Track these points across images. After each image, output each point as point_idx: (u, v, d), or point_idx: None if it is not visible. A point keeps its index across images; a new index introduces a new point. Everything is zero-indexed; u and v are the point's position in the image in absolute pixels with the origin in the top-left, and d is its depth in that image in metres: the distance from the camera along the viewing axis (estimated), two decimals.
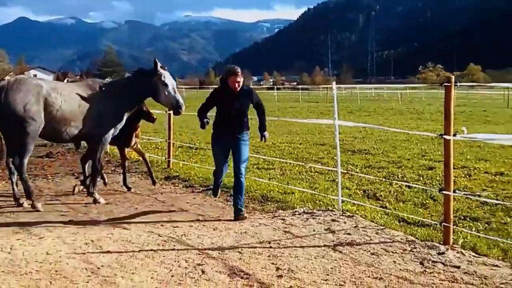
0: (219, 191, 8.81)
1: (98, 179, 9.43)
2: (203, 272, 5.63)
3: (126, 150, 10.38)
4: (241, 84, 7.96)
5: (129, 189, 10.17)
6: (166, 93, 8.89)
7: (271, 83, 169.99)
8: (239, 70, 7.93)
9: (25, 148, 8.47)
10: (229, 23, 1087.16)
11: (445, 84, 6.63)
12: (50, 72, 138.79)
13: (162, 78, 8.87)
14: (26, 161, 8.61)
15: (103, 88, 9.04)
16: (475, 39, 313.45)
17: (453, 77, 6.86)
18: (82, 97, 8.75)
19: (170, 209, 8.74)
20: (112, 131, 9.09)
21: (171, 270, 5.69)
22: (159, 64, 8.96)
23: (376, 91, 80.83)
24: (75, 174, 11.84)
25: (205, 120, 8.14)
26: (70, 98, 8.63)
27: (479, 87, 74.89)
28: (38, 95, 8.32)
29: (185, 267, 5.78)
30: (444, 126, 6.69)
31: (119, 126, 9.20)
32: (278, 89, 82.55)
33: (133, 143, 10.26)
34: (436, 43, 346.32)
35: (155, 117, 10.10)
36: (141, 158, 11.13)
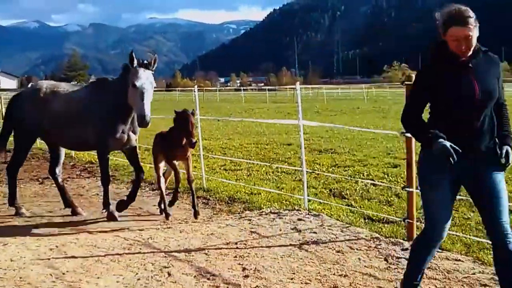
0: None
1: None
2: (169, 274, 5.63)
3: (176, 163, 8.12)
4: (474, 42, 4.08)
5: (167, 216, 8.12)
6: (133, 97, 7.35)
7: (238, 84, 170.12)
8: (469, 13, 4.02)
9: (18, 154, 8.65)
10: (195, 24, 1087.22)
11: (406, 83, 6.70)
12: (14, 77, 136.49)
13: (133, 78, 7.31)
14: (19, 167, 8.83)
15: (97, 90, 8.10)
16: (439, 39, 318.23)
17: (413, 76, 6.93)
18: (79, 100, 8.07)
19: (137, 213, 8.68)
20: (111, 140, 7.82)
21: (137, 274, 5.67)
22: (135, 59, 7.38)
23: (343, 91, 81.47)
24: (40, 179, 11.69)
25: (439, 138, 4.04)
26: (68, 102, 8.12)
27: None
28: (36, 100, 8.22)
29: (151, 270, 5.77)
30: None
31: (116, 134, 7.76)
32: (245, 90, 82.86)
33: (178, 155, 8.00)
34: (400, 43, 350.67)
35: (195, 140, 7.54)
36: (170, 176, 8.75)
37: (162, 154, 8.19)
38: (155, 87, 7.58)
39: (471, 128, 4.10)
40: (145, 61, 7.51)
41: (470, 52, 4.09)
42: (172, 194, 8.44)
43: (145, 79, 7.35)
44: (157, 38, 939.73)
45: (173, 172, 8.23)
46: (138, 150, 8.53)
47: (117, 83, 7.81)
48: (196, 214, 8.00)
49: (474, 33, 4.03)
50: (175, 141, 7.80)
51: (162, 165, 8.44)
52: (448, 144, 4.00)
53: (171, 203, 8.39)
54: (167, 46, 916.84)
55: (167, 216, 8.10)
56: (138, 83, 7.26)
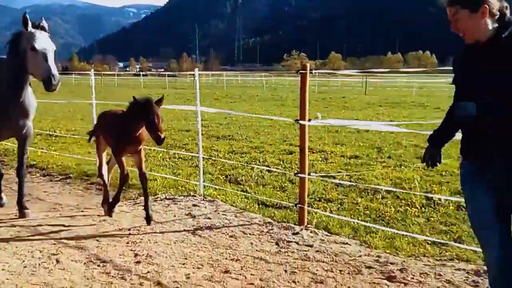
0: None
1: None
2: (58, 261, 5.48)
3: (123, 159, 6.82)
4: (470, 25, 3.38)
5: (110, 215, 7.06)
6: (34, 60, 6.45)
7: (138, 70, 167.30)
8: None
9: None
10: (94, 7, 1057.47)
11: (300, 71, 6.85)
12: None
13: (32, 41, 6.44)
14: None
15: None
16: (338, 29, 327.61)
17: (308, 65, 7.08)
18: None
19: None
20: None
21: (23, 261, 5.49)
22: (29, 22, 6.56)
23: (242, 78, 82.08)
24: None
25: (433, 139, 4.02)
26: None
27: (339, 75, 78.18)
28: None
29: (39, 258, 5.60)
30: (300, 112, 6.91)
31: (6, 120, 6.94)
32: (144, 75, 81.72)
33: (128, 148, 6.74)
34: (300, 32, 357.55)
35: (163, 136, 6.07)
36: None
37: (107, 142, 7.11)
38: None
39: (492, 132, 3.35)
40: (41, 24, 6.70)
41: (484, 38, 3.37)
42: (114, 195, 7.00)
43: (44, 40, 6.56)
44: (54, 19, 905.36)
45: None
46: (29, 141, 7.56)
47: (7, 60, 6.89)
48: (149, 219, 6.74)
49: (463, 14, 3.36)
50: (129, 132, 6.51)
51: (105, 154, 7.52)
52: (432, 152, 3.97)
53: (111, 205, 7.02)
54: (64, 28, 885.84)
55: (111, 214, 7.04)
56: (37, 45, 6.44)
